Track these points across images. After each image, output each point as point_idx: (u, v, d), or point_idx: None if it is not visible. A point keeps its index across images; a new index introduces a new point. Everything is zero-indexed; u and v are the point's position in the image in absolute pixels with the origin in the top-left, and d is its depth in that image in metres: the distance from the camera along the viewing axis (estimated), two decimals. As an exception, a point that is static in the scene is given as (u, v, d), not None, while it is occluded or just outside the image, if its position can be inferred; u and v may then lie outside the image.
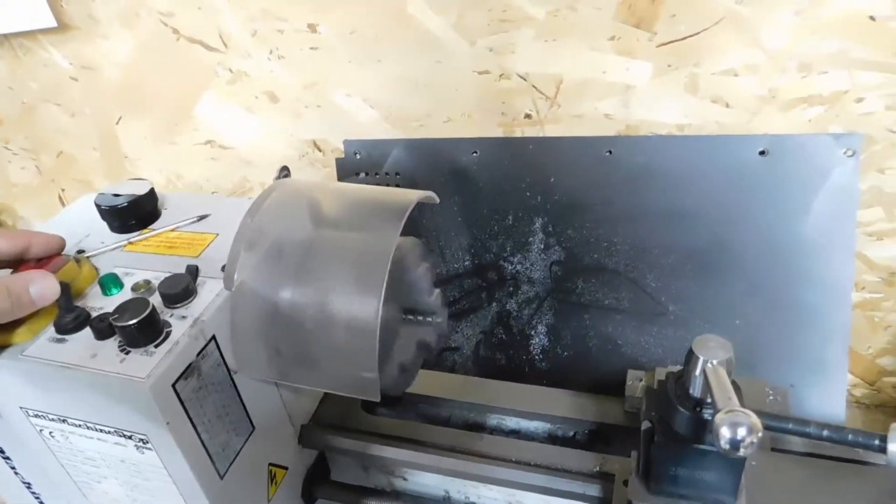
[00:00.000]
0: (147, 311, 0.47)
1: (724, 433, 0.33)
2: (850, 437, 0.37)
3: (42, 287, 0.48)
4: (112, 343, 0.48)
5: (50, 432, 0.53)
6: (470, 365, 0.82)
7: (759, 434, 0.33)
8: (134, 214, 0.61)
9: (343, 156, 0.83)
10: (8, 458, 0.59)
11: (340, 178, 0.84)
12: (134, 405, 0.46)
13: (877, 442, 0.36)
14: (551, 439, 0.67)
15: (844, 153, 0.66)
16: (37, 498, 0.63)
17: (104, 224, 0.63)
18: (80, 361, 0.47)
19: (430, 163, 0.80)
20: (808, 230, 0.69)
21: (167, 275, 0.53)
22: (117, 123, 0.97)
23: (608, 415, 0.65)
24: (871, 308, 0.79)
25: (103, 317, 0.49)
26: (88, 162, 1.04)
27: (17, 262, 0.53)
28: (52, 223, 0.66)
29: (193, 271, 0.53)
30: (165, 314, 0.50)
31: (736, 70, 0.69)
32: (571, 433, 0.66)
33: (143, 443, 0.49)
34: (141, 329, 0.47)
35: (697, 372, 0.40)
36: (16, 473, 0.60)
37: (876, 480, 0.48)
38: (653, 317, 0.75)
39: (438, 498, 0.67)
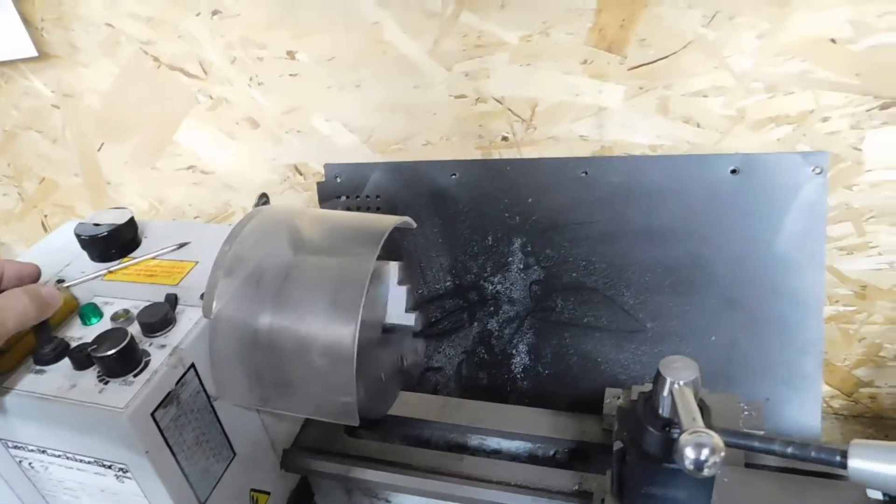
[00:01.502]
0: (125, 341, 0.47)
1: (688, 454, 0.34)
2: (812, 453, 0.37)
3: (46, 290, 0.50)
4: (91, 373, 0.49)
5: (30, 463, 0.53)
6: (452, 385, 0.83)
7: (722, 454, 0.34)
8: (114, 243, 0.61)
9: (324, 179, 0.84)
10: (-12, 489, 0.59)
11: (321, 201, 0.85)
12: (113, 435, 0.47)
13: (838, 458, 0.37)
14: (532, 459, 0.68)
15: (813, 171, 0.68)
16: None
17: (84, 253, 0.63)
18: (58, 392, 0.48)
19: (410, 185, 0.81)
20: (780, 246, 0.70)
21: (146, 304, 0.54)
22: (99, 150, 0.98)
23: (587, 433, 0.66)
24: (845, 321, 0.81)
25: (82, 347, 0.50)
26: (71, 188, 1.04)
27: None
28: (32, 251, 0.67)
29: (172, 300, 0.54)
30: (144, 343, 0.51)
31: (705, 91, 0.71)
32: (552, 452, 0.67)
33: (123, 472, 0.49)
34: (119, 359, 0.47)
35: (665, 392, 0.41)
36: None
37: (847, 494, 0.49)
38: (631, 334, 0.76)
39: (421, 519, 0.67)
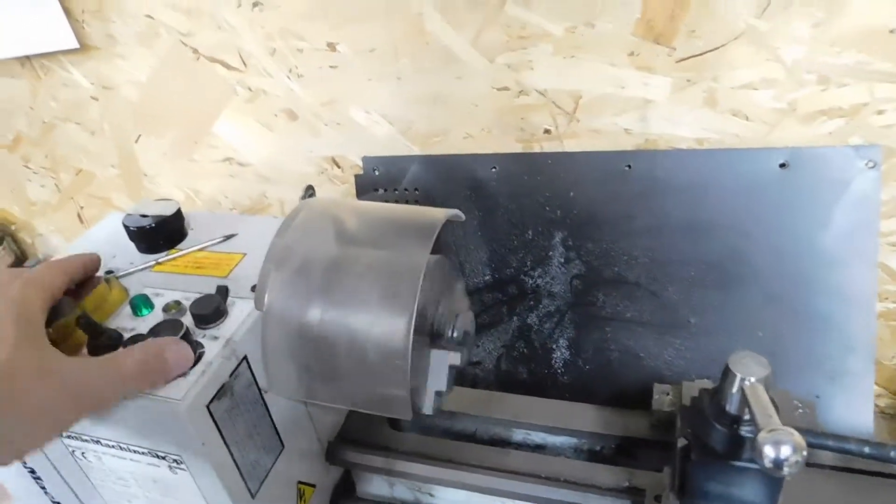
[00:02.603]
0: (182, 332, 0.47)
1: (768, 452, 0.33)
2: (892, 453, 0.37)
3: (177, 354, 0.47)
4: (146, 364, 0.49)
5: (83, 453, 0.53)
6: (492, 379, 0.83)
7: (804, 453, 0.33)
8: (161, 235, 0.62)
9: (362, 172, 0.83)
10: (38, 478, 0.59)
11: (359, 194, 0.84)
12: (169, 426, 0.47)
13: (919, 458, 0.36)
14: (577, 454, 0.67)
15: (865, 164, 0.67)
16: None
17: (130, 244, 0.63)
18: (115, 383, 0.48)
19: (448, 178, 0.81)
20: (829, 241, 0.69)
21: (197, 295, 0.54)
22: (136, 142, 0.98)
23: (634, 429, 0.65)
24: (894, 318, 0.79)
25: (137, 337, 0.50)
26: (107, 179, 1.05)
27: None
28: (77, 244, 0.67)
29: (224, 292, 0.54)
30: (198, 335, 0.51)
31: (755, 84, 0.69)
32: (598, 448, 0.66)
33: (177, 463, 0.49)
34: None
35: (735, 389, 0.40)
36: (45, 493, 0.61)
37: (910, 495, 0.48)
38: (674, 329, 0.75)
39: (465, 514, 0.67)
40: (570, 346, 0.79)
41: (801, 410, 0.58)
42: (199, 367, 0.48)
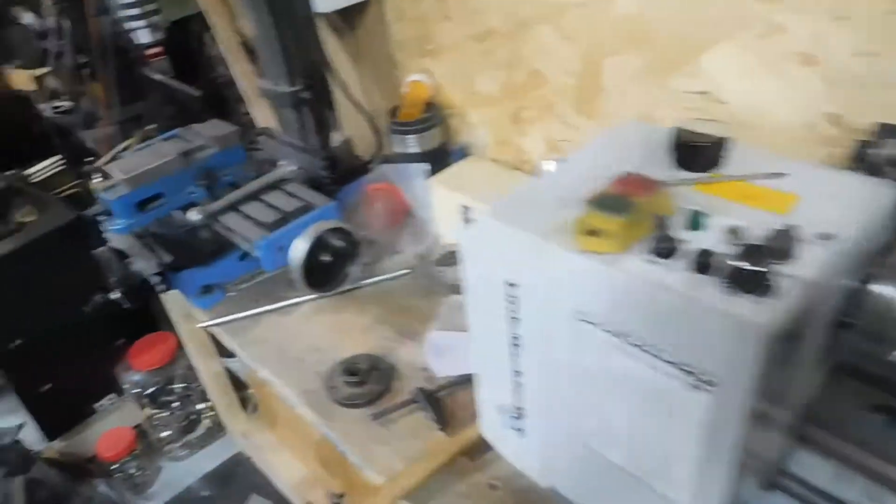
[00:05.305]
0: (768, 265, 0.45)
1: None
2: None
3: None
4: (709, 280, 0.48)
5: (590, 339, 0.54)
6: None
7: None
8: (706, 156, 0.60)
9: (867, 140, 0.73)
10: (517, 344, 0.63)
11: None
12: (731, 346, 0.45)
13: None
14: None
15: None
16: (519, 385, 0.66)
17: (657, 155, 0.62)
18: (683, 288, 0.47)
19: None
20: None
21: (756, 226, 0.51)
22: (606, 57, 0.98)
23: None
24: None
25: (707, 252, 0.48)
26: (559, 86, 1.07)
27: None
28: (594, 144, 0.68)
29: (794, 231, 0.50)
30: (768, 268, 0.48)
31: None
32: None
33: (707, 384, 0.48)
34: (762, 276, 0.45)
35: None
36: (516, 346, 0.64)
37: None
38: None
39: None
40: None
41: None
42: (773, 299, 0.45)
